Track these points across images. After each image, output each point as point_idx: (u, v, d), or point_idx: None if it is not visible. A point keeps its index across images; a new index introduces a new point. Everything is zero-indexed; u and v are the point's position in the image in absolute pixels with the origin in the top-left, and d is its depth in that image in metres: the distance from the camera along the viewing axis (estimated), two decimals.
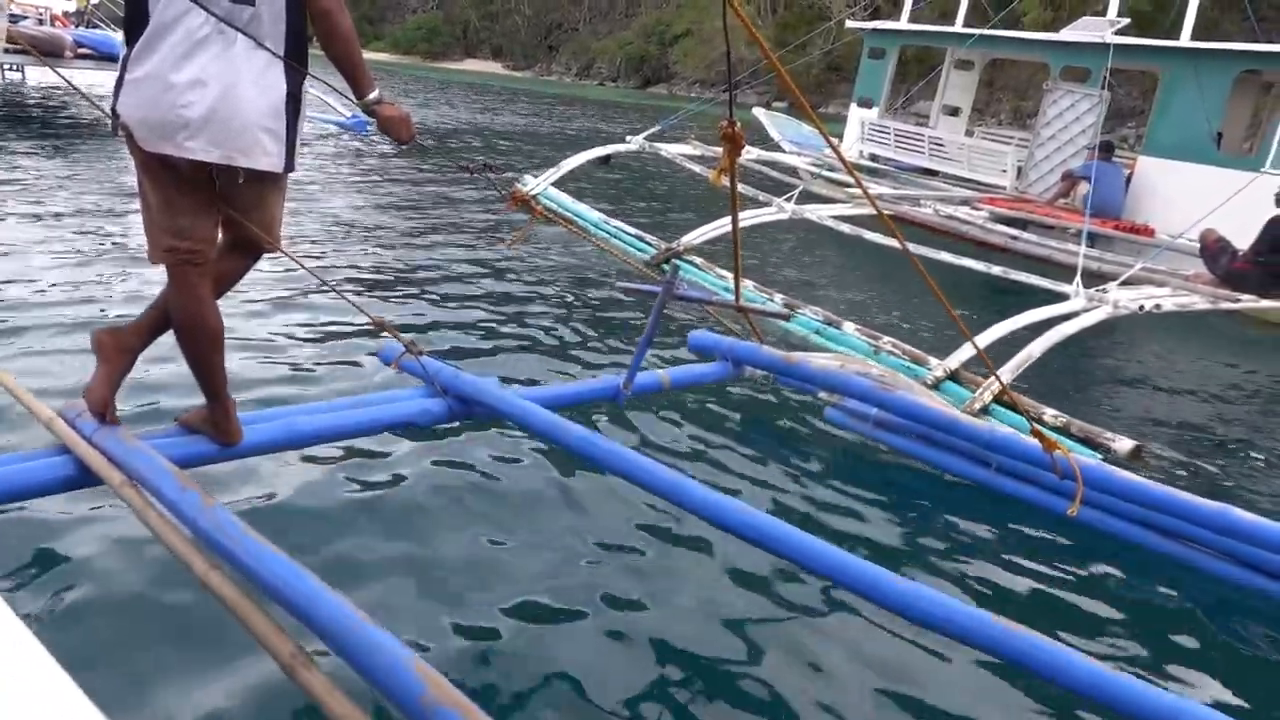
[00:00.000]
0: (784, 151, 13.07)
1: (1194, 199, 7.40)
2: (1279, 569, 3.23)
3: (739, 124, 2.05)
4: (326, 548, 3.12)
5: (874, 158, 13.38)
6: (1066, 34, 11.61)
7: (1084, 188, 9.99)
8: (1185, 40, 10.75)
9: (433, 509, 3.47)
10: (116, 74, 2.51)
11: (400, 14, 72.57)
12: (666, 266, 7.47)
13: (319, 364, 4.81)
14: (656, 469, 2.93)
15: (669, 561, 3.33)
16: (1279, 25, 25.87)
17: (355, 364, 4.85)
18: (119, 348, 2.83)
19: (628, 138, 11.53)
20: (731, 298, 3.85)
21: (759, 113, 16.26)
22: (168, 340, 2.86)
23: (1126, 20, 11.50)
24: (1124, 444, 4.38)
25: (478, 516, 3.46)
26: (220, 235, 2.80)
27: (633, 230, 8.56)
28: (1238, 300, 6.82)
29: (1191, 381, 6.85)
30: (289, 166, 2.64)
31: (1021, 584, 3.47)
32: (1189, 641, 3.22)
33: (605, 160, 11.53)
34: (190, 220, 2.61)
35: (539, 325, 5.96)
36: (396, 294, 6.35)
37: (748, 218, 7.98)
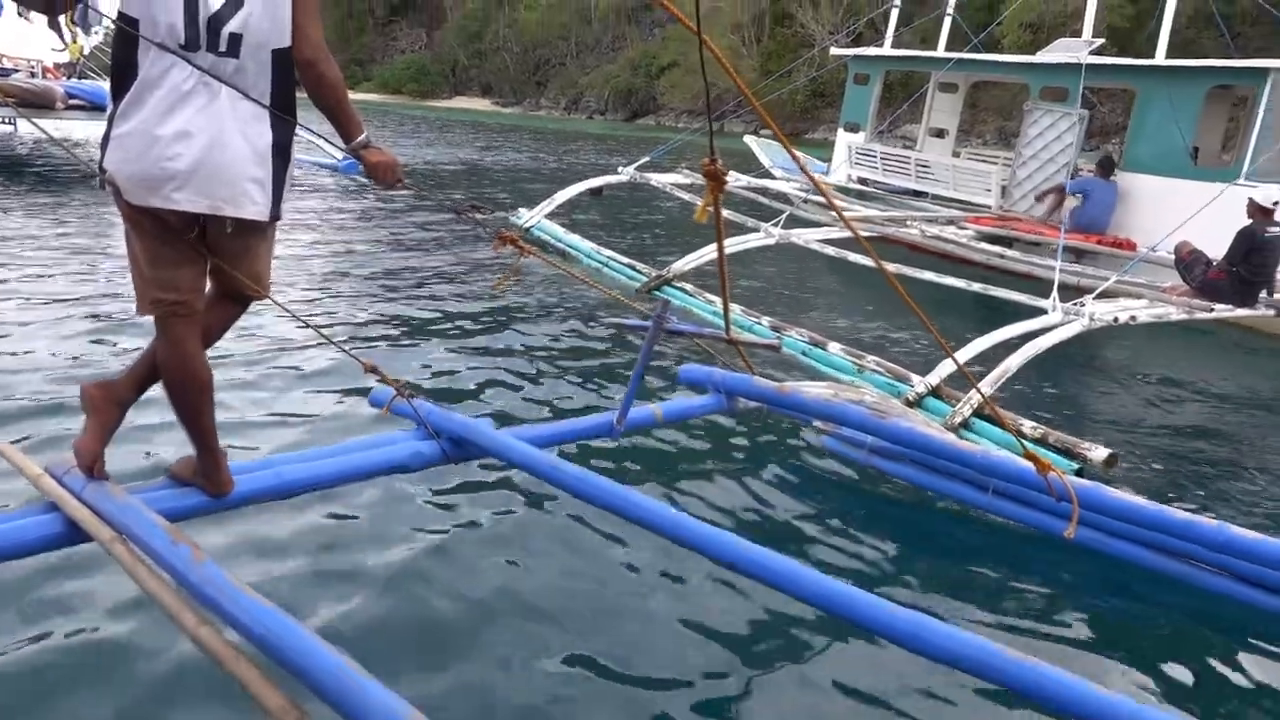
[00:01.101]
0: (774, 178, 13.16)
1: (1173, 212, 7.49)
2: (1277, 584, 3.22)
3: (720, 160, 2.06)
4: (321, 599, 3.10)
5: (863, 181, 13.49)
6: (1043, 55, 11.78)
7: (1071, 203, 10.07)
8: (1159, 58, 10.91)
9: (429, 554, 3.45)
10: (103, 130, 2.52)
11: (389, 54, 73.33)
12: (658, 293, 7.54)
13: (311, 411, 4.79)
14: (653, 505, 2.92)
15: (667, 598, 3.30)
16: (1254, 41, 26.23)
17: (347, 409, 4.83)
18: (108, 401, 2.82)
19: (619, 168, 11.68)
20: (721, 328, 3.85)
21: (750, 140, 16.45)
22: (157, 391, 2.85)
23: (1101, 40, 11.68)
24: (1099, 453, 4.52)
25: (475, 561, 3.44)
26: (208, 285, 2.80)
27: (625, 259, 8.65)
28: (1212, 310, 6.89)
29: (1172, 391, 6.89)
30: (276, 215, 2.65)
31: (1024, 609, 3.45)
32: (1192, 660, 3.20)
33: (597, 191, 11.67)
34: (177, 271, 2.62)
35: (531, 363, 5.95)
36: (387, 337, 6.33)
37: (736, 243, 8.07)
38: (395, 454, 3.32)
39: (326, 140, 2.86)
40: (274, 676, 1.98)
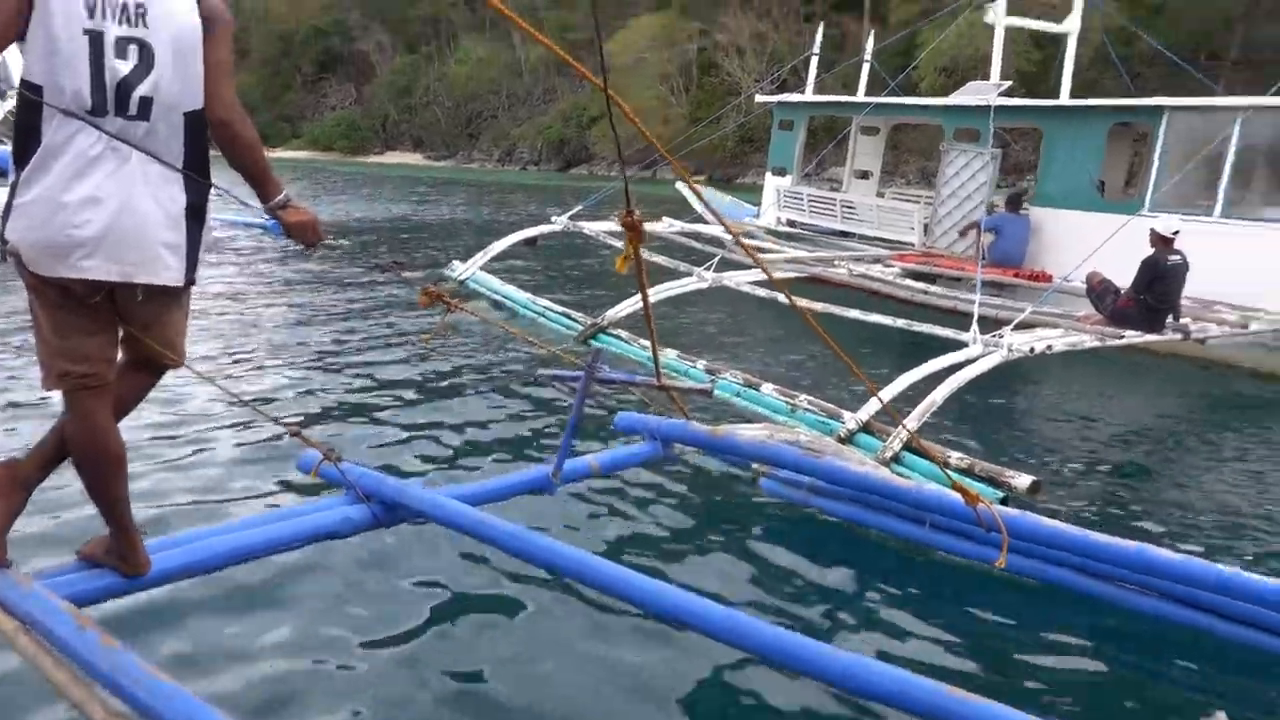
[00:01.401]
0: (707, 222, 13.35)
1: (1083, 244, 7.79)
2: (1196, 601, 3.31)
3: (638, 211, 2.07)
4: (249, 680, 2.97)
5: (791, 223, 13.77)
6: (956, 98, 12.25)
7: (989, 238, 10.41)
8: (1063, 99, 11.43)
9: (362, 626, 3.33)
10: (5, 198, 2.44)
11: (318, 111, 72.85)
12: (594, 340, 7.56)
13: (233, 481, 4.62)
14: (588, 560, 2.88)
15: (607, 652, 3.25)
16: (1152, 80, 27.62)
17: (272, 477, 4.67)
18: (13, 482, 2.69)
19: (552, 218, 11.75)
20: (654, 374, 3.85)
21: (682, 186, 16.68)
22: (66, 466, 2.73)
23: (1009, 83, 12.20)
24: (1023, 480, 4.69)
25: (410, 631, 3.33)
26: (120, 354, 2.70)
27: (560, 308, 8.70)
28: (1122, 337, 7.16)
29: (1090, 415, 7.12)
30: (191, 280, 2.59)
31: (963, 640, 3.47)
32: (1118, 677, 3.25)
33: (531, 242, 11.75)
34: (86, 341, 2.52)
35: (464, 420, 5.84)
36: (314, 401, 6.15)
37: (670, 288, 8.18)
38: (323, 520, 3.24)
39: (242, 204, 2.79)
40: None
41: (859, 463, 4.25)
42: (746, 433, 4.25)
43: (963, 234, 11.08)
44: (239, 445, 5.12)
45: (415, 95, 67.53)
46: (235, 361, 7.04)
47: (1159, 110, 9.67)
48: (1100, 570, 3.52)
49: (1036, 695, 3.14)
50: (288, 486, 4.49)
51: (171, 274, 2.51)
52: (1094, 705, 3.13)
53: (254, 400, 5.44)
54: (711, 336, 9.17)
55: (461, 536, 3.40)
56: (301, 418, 5.53)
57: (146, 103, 2.40)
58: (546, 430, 5.69)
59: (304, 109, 73.69)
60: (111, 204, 2.38)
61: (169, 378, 3.05)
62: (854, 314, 7.20)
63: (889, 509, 4.09)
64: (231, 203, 2.81)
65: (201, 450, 5.01)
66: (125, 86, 2.37)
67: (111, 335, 2.61)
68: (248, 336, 7.94)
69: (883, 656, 3.26)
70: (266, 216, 2.75)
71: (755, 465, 4.61)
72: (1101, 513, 4.93)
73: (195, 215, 2.54)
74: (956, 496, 3.30)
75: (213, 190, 2.63)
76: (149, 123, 2.43)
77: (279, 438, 4.99)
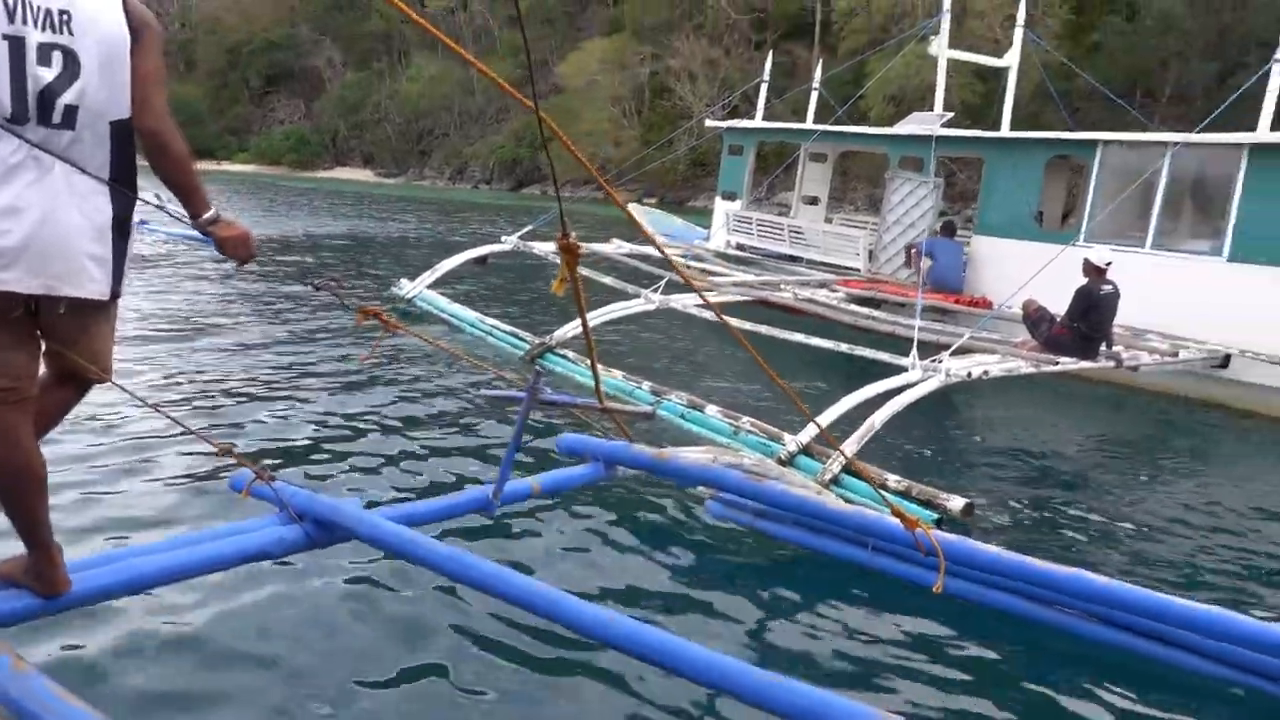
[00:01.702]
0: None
1: (1022, 272, 8.01)
2: (1130, 624, 3.39)
3: (574, 233, 2.07)
4: (169, 703, 2.87)
5: (740, 247, 13.91)
6: (900, 127, 12.54)
7: (927, 262, 10.65)
8: (1004, 131, 11.78)
9: (294, 650, 3.24)
10: None
11: (266, 125, 71.89)
12: (540, 361, 7.54)
13: (161, 499, 4.48)
14: (528, 584, 2.84)
15: (546, 679, 3.21)
16: (1092, 114, 28.57)
17: (203, 496, 4.54)
18: None
19: (502, 238, 11.71)
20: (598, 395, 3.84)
21: (633, 208, 16.81)
22: None
23: (951, 114, 12.54)
24: (956, 502, 4.80)
25: (344, 652, 3.25)
26: (42, 368, 2.62)
27: (508, 328, 8.65)
28: (1057, 363, 7.36)
29: (1027, 440, 7.28)
30: (116, 293, 2.52)
31: (901, 662, 3.50)
32: (1052, 699, 3.30)
33: (482, 260, 11.71)
34: (7, 355, 2.43)
35: (402, 440, 5.74)
36: (246, 418, 5.98)
37: (618, 309, 8.21)
38: (255, 540, 3.15)
39: (175, 217, 2.72)
40: None
41: (801, 486, 4.28)
42: (690, 455, 4.25)
43: (907, 256, 11.30)
44: (168, 463, 4.96)
45: (366, 111, 67.06)
46: (165, 378, 6.81)
47: (1094, 144, 10.01)
48: (1037, 594, 3.58)
49: (971, 717, 3.17)
50: (219, 506, 4.36)
51: (96, 287, 2.44)
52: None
53: (184, 417, 5.28)
54: (662, 358, 9.19)
55: (398, 558, 3.35)
56: (234, 436, 5.39)
57: (71, 111, 2.34)
58: (488, 451, 5.63)
59: (251, 122, 72.68)
60: (33, 214, 2.31)
61: (95, 393, 2.96)
62: (798, 338, 7.31)
63: (832, 532, 4.13)
64: (165, 215, 2.74)
65: (128, 468, 4.85)
66: (49, 94, 2.31)
67: (33, 349, 2.52)
68: (180, 353, 7.68)
69: (821, 677, 3.28)
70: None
71: (702, 488, 4.61)
72: (1036, 536, 5.03)
73: (120, 228, 2.47)
74: (896, 521, 3.35)
75: (149, 203, 2.57)
76: (74, 131, 2.36)
77: (210, 456, 4.85)
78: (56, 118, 2.34)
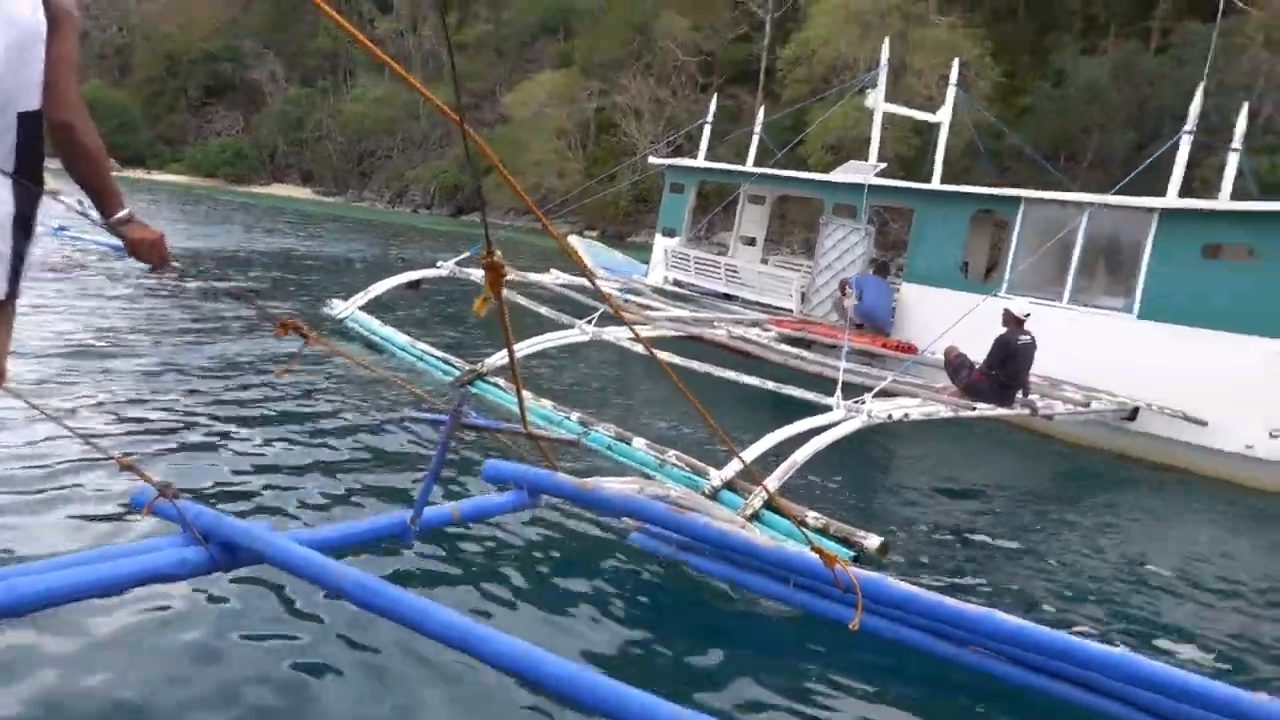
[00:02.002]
0: (593, 277, 13.45)
1: (947, 320, 8.25)
2: (1039, 665, 3.45)
3: (499, 253, 2.04)
4: None
5: (678, 283, 14.02)
6: (835, 175, 12.88)
7: (852, 301, 10.90)
8: (934, 183, 12.17)
9: (193, 680, 3.09)
10: None
11: (202, 135, 70.23)
12: (471, 387, 7.44)
13: (52, 515, 4.23)
14: (443, 614, 2.75)
15: (458, 715, 3.11)
16: (1020, 172, 29.72)
17: (98, 514, 4.30)
18: None
19: (438, 263, 11.60)
20: (531, 422, 3.79)
21: (575, 240, 16.92)
22: None
23: (884, 165, 12.93)
24: (873, 540, 4.92)
25: (244, 685, 3.10)
26: None
27: (439, 353, 8.55)
28: (974, 409, 7.58)
29: (948, 482, 7.46)
30: (14, 293, 2.40)
31: (819, 700, 3.49)
32: None
33: (415, 285, 11.56)
34: None
35: (320, 461, 5.56)
36: (151, 432, 5.71)
37: (553, 339, 8.18)
38: (155, 562, 3.00)
39: (84, 215, 2.61)
40: None
41: (727, 520, 4.28)
42: (615, 486, 4.22)
43: (842, 291, 11.49)
44: (62, 477, 4.68)
45: (307, 129, 66.12)
46: (65, 386, 6.46)
47: (1016, 201, 10.40)
48: (950, 633, 3.63)
49: None
50: (117, 525, 4.15)
51: None
52: None
53: (85, 430, 5.03)
54: (594, 390, 9.16)
55: (307, 584, 3.23)
56: (139, 452, 5.14)
57: None
58: (409, 476, 5.50)
59: (187, 132, 70.94)
60: None
61: None
62: (728, 374, 7.40)
63: (754, 567, 4.12)
64: (77, 216, 2.63)
65: (18, 480, 4.56)
66: None
67: None
68: (87, 364, 7.29)
69: (740, 711, 3.25)
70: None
71: (626, 519, 4.58)
72: (951, 573, 5.11)
73: (22, 225, 2.36)
74: (816, 558, 3.37)
75: (62, 204, 2.46)
76: None
77: (109, 470, 4.63)
78: None
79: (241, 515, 4.00)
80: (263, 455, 5.53)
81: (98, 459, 4.68)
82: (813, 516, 5.12)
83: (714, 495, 5.40)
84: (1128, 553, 6.05)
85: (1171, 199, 9.50)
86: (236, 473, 5.15)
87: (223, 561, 3.14)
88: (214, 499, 4.54)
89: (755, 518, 5.19)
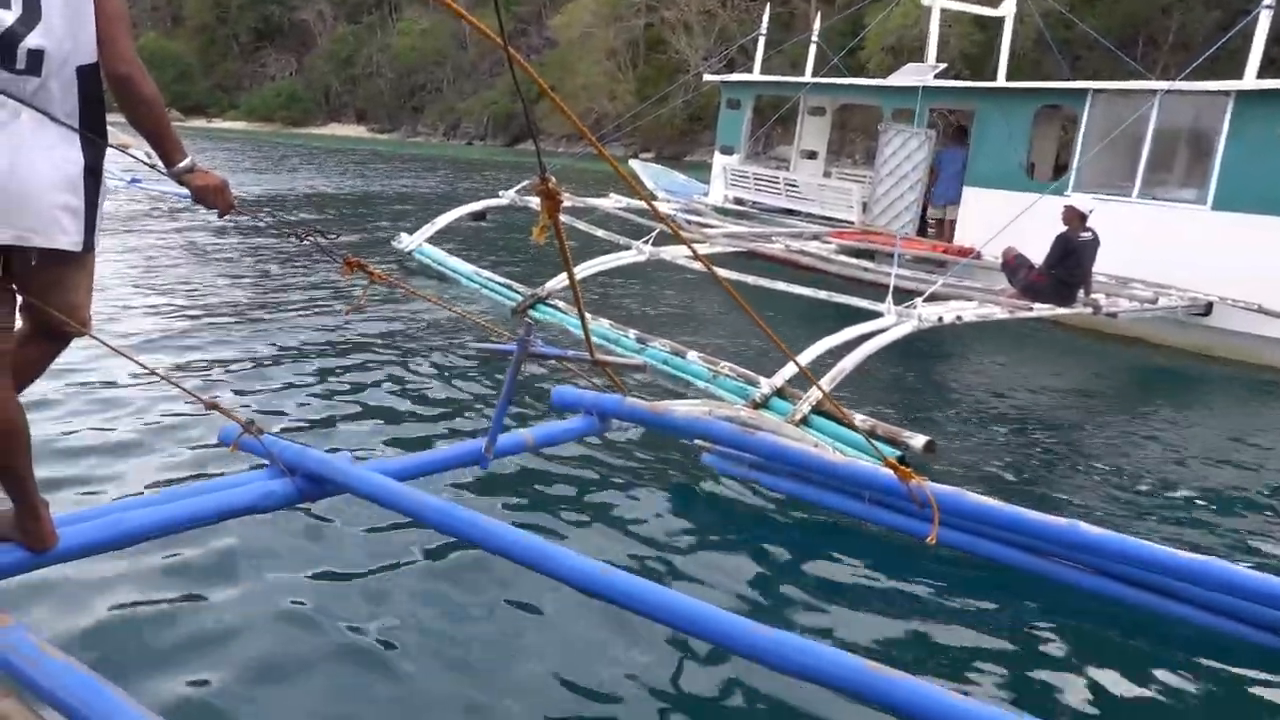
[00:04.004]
0: (655, 200, 13.34)
1: (1011, 224, 7.99)
2: (1126, 576, 3.38)
3: (553, 178, 2.01)
4: (155, 661, 2.86)
5: (739, 201, 13.82)
6: (893, 80, 12.40)
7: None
8: (1000, 81, 11.63)
9: (284, 606, 3.24)
10: None
11: (257, 81, 70.74)
12: (532, 311, 7.62)
13: (147, 454, 4.45)
14: (518, 537, 2.82)
15: (536, 632, 3.21)
16: (1092, 63, 28.16)
17: (189, 451, 4.51)
18: None
19: (500, 192, 11.70)
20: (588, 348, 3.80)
21: (635, 164, 16.84)
22: None
23: (944, 65, 12.40)
24: (919, 440, 4.92)
25: (335, 610, 3.24)
26: (19, 322, 2.57)
27: (501, 279, 8.76)
28: (1031, 309, 7.42)
29: (1013, 388, 7.37)
30: (90, 244, 2.46)
31: (895, 615, 3.50)
32: (1052, 652, 3.31)
33: (480, 216, 11.85)
34: None
35: (393, 394, 5.71)
36: (232, 372, 5.93)
37: (608, 260, 8.30)
38: (244, 495, 3.13)
39: (152, 166, 2.65)
40: None
41: (797, 439, 4.26)
42: (684, 409, 4.23)
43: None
44: (153, 418, 4.91)
45: (358, 66, 65.98)
46: (149, 331, 6.74)
47: (1083, 94, 9.90)
48: (1030, 545, 3.57)
49: (961, 670, 3.18)
50: (206, 460, 4.34)
51: (69, 239, 2.38)
52: (1019, 681, 3.18)
53: (169, 372, 5.23)
54: (649, 310, 9.24)
55: (389, 512, 3.33)
56: (220, 392, 5.34)
57: (36, 56, 2.26)
58: (480, 405, 5.61)
59: (242, 79, 71.51)
60: (1, 163, 2.25)
61: (78, 348, 2.92)
62: (780, 286, 7.41)
63: (827, 484, 4.11)
64: (142, 167, 2.67)
65: (113, 422, 4.80)
66: (10, 38, 2.22)
67: (9, 302, 2.47)
68: (164, 309, 7.59)
69: (814, 631, 3.29)
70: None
71: (699, 440, 4.60)
72: (1021, 481, 5.06)
73: (93, 177, 2.40)
74: (890, 473, 3.33)
75: (131, 156, 2.50)
76: (39, 78, 2.28)
77: (195, 410, 4.83)
78: (20, 63, 2.26)
79: (320, 449, 4.13)
80: (338, 391, 5.70)
81: (183, 400, 4.88)
82: (859, 419, 5.16)
83: (764, 402, 5.53)
84: (1207, 454, 5.88)
85: (1249, 80, 8.90)
86: (314, 409, 5.33)
87: (308, 492, 3.26)
88: (295, 434, 4.70)
89: (804, 422, 5.29)
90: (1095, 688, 3.10)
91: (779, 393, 5.60)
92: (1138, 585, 3.38)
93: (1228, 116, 8.64)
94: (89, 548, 2.76)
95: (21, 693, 1.94)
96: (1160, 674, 3.18)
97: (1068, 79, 12.35)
